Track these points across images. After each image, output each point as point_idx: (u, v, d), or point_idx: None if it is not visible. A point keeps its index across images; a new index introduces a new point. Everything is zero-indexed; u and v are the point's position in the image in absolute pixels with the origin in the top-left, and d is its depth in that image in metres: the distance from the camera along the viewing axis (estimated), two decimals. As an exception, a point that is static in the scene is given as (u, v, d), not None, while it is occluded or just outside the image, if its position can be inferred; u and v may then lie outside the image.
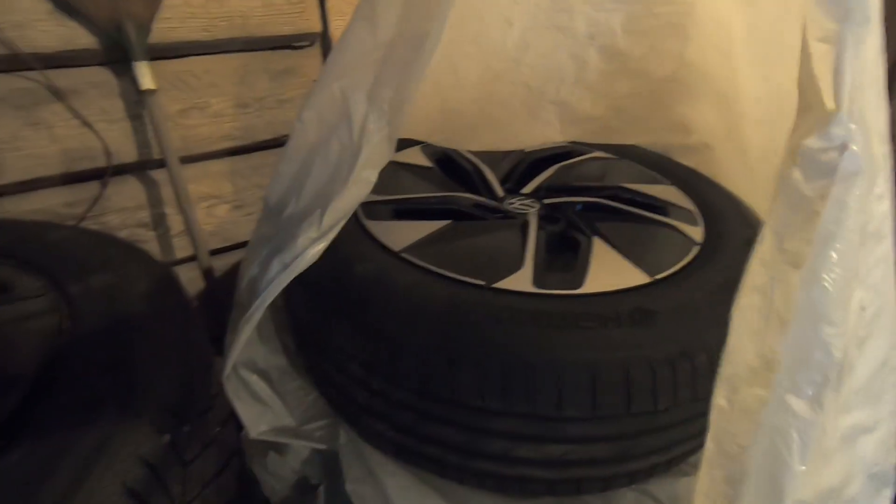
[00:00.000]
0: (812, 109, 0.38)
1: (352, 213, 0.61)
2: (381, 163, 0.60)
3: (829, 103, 0.37)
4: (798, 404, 0.37)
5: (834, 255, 0.37)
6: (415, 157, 1.01)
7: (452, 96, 0.79)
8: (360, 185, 0.60)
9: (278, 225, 0.69)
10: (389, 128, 0.59)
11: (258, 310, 0.62)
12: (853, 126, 0.37)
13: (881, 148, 0.40)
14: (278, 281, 0.61)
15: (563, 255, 0.75)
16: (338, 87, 0.62)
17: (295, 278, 0.72)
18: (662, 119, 1.01)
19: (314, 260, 0.61)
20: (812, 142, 0.38)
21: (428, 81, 0.82)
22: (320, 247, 0.61)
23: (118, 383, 0.49)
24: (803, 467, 0.37)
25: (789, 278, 0.39)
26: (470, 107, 0.80)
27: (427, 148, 1.03)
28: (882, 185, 0.40)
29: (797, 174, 0.38)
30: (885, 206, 0.41)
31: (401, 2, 0.58)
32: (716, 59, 0.95)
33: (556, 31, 0.77)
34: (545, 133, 0.84)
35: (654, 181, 0.97)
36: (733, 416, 0.41)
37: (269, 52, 1.13)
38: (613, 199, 0.90)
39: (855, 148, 0.37)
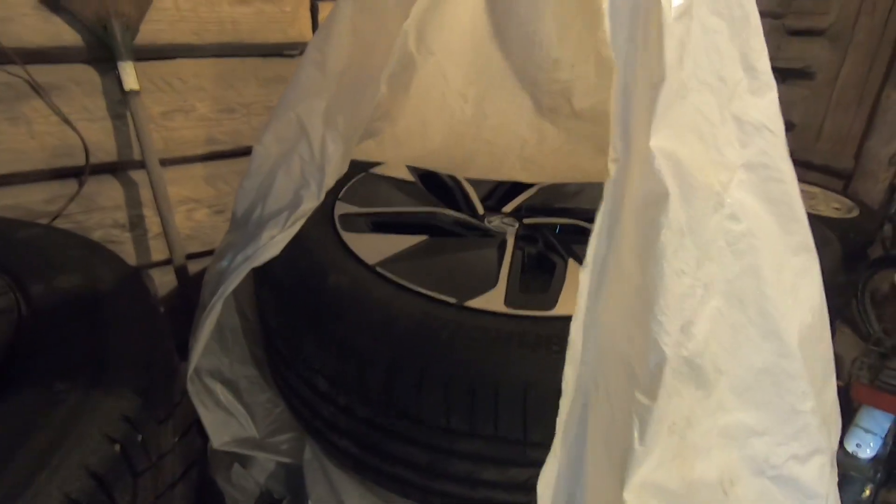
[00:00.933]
0: None
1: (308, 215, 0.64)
2: (338, 177, 0.66)
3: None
4: (638, 392, 0.42)
5: (654, 266, 0.42)
6: (398, 170, 1.01)
7: (421, 145, 0.84)
8: (322, 195, 0.65)
9: (245, 232, 0.69)
10: (345, 147, 0.64)
11: (219, 300, 0.63)
12: (631, 156, 0.43)
13: (717, 177, 0.44)
14: (239, 270, 0.62)
15: (538, 276, 0.75)
16: (294, 114, 0.67)
17: (266, 285, 0.72)
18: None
19: (275, 252, 0.63)
20: (609, 166, 0.44)
21: (400, 131, 0.87)
22: (281, 238, 0.63)
23: (71, 389, 0.48)
24: (642, 447, 0.42)
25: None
26: (438, 154, 0.85)
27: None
28: (733, 206, 0.44)
29: (605, 196, 0.44)
30: (742, 226, 0.45)
31: (347, 46, 0.66)
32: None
33: (511, 105, 0.82)
34: (511, 176, 0.88)
35: (634, 206, 0.97)
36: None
37: (259, 59, 1.13)
38: (592, 223, 0.90)
39: (641, 175, 0.42)
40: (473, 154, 0.87)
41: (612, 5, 0.43)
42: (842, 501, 1.36)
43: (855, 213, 2.01)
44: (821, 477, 0.50)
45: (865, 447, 1.23)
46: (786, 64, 2.34)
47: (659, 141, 0.42)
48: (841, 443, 1.25)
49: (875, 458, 1.25)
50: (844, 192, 2.21)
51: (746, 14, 0.46)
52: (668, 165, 0.42)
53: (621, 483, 0.42)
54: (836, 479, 0.56)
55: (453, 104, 0.80)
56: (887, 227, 2.20)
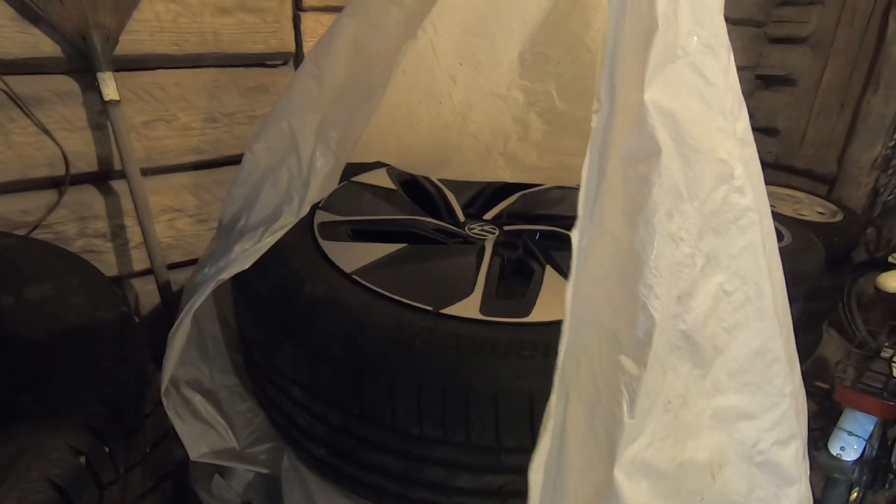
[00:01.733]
0: None
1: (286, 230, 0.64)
2: (326, 193, 0.66)
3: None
4: (626, 362, 0.40)
5: (645, 227, 0.40)
6: (380, 178, 1.01)
7: (407, 136, 0.84)
8: (304, 210, 0.63)
9: (227, 241, 0.69)
10: (336, 162, 0.63)
11: (187, 315, 0.62)
12: (618, 108, 0.41)
13: (723, 144, 0.43)
14: (207, 284, 0.61)
15: (515, 283, 0.75)
16: (287, 124, 0.66)
17: (243, 294, 0.71)
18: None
19: (245, 266, 0.63)
20: (592, 118, 0.42)
21: (385, 120, 0.86)
22: (252, 251, 0.63)
23: (35, 400, 0.47)
24: (632, 420, 0.40)
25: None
26: (423, 148, 0.85)
27: (393, 170, 1.03)
28: (741, 179, 0.43)
29: (590, 151, 0.42)
30: (747, 200, 0.44)
31: (346, 61, 0.65)
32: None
33: (496, 97, 0.83)
34: (496, 175, 0.88)
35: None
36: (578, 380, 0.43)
37: (241, 69, 1.13)
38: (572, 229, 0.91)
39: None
40: (457, 148, 0.88)
41: None
42: (827, 503, 1.35)
43: (839, 217, 2.03)
44: (797, 462, 0.49)
45: (849, 450, 1.23)
46: (768, 71, 2.37)
47: (654, 95, 0.40)
48: (825, 446, 1.25)
49: (859, 461, 1.25)
50: (828, 197, 2.24)
51: None
52: (663, 122, 0.40)
53: (611, 460, 0.40)
54: (808, 467, 0.56)
55: (441, 87, 0.80)
56: (871, 231, 2.22)
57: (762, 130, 2.51)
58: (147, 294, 1.14)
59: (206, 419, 0.79)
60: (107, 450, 0.49)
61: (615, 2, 0.41)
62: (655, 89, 0.40)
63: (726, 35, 0.45)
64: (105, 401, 0.51)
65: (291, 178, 0.67)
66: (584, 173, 0.41)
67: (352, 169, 0.98)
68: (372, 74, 0.65)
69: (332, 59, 0.67)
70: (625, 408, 0.40)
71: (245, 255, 0.62)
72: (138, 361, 0.61)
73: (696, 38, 0.41)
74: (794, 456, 0.49)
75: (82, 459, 0.46)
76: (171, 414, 0.71)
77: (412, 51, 0.69)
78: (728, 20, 0.46)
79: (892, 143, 2.15)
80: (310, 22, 1.16)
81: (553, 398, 0.42)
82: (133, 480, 0.52)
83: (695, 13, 0.41)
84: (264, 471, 0.79)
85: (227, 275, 0.61)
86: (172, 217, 1.13)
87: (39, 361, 0.52)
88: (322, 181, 0.66)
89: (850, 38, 2.22)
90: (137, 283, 1.13)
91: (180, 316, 0.63)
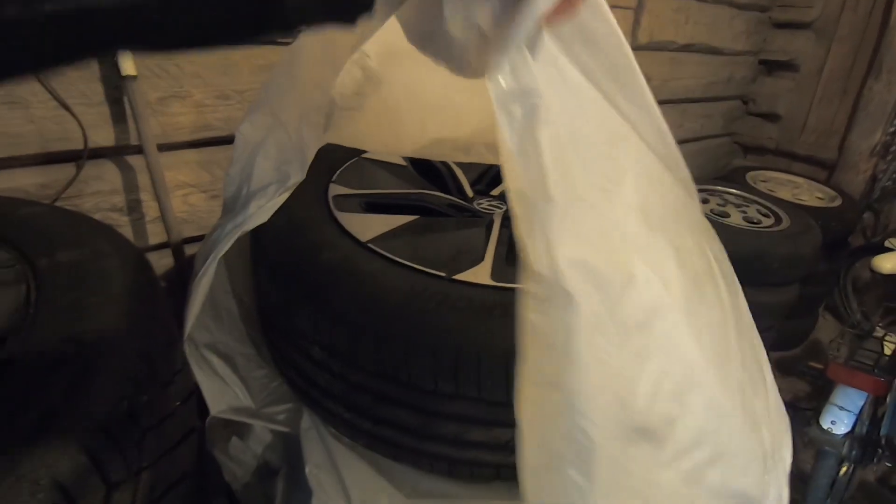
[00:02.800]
0: None
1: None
2: (318, 146, 0.67)
3: None
4: (576, 476, 0.39)
5: (573, 366, 0.39)
6: (391, 154, 1.04)
7: (393, 143, 0.89)
8: (305, 169, 0.65)
9: (233, 213, 0.72)
10: (326, 122, 0.64)
11: (212, 263, 0.65)
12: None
13: (626, 256, 0.42)
14: (230, 236, 0.64)
15: (524, 253, 0.78)
16: (268, 107, 0.68)
17: (263, 261, 0.74)
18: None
19: (263, 219, 0.65)
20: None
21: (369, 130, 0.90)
22: (269, 206, 0.65)
23: (79, 351, 0.51)
24: None
25: None
26: (408, 150, 0.89)
27: (402, 147, 1.06)
28: (642, 277, 0.42)
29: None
30: (652, 292, 0.42)
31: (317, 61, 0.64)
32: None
33: (473, 96, 0.87)
34: (482, 159, 0.94)
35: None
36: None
37: (253, 47, 1.15)
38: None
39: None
40: (441, 149, 0.93)
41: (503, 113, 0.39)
42: (817, 475, 1.40)
43: (837, 202, 2.06)
44: (758, 483, 0.51)
45: (840, 424, 1.27)
46: (772, 56, 2.38)
47: (567, 252, 0.40)
48: (816, 420, 1.30)
49: (850, 435, 1.30)
50: (828, 182, 2.26)
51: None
52: (577, 274, 0.40)
53: None
54: (780, 476, 0.58)
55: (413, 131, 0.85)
56: (868, 216, 2.25)
57: (764, 116, 2.53)
58: (161, 268, 1.18)
59: (224, 379, 0.82)
60: (145, 399, 0.52)
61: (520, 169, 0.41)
62: (567, 248, 0.40)
63: (621, 123, 0.45)
64: (140, 354, 0.54)
65: (282, 147, 0.67)
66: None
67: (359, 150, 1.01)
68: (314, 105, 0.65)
69: (298, 67, 0.68)
70: None
71: (262, 210, 0.64)
72: (166, 320, 0.64)
73: (591, 186, 0.41)
74: (757, 478, 0.51)
75: (125, 405, 0.49)
76: (194, 368, 0.74)
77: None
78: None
79: (893, 129, 2.17)
80: None
81: None
82: (167, 429, 0.56)
83: (582, 160, 0.41)
84: (283, 429, 0.82)
85: (247, 228, 0.64)
86: (186, 192, 1.16)
87: (78, 317, 0.55)
88: (314, 144, 0.67)
89: (854, 24, 2.22)
90: (152, 258, 1.16)
91: (205, 264, 0.65)
